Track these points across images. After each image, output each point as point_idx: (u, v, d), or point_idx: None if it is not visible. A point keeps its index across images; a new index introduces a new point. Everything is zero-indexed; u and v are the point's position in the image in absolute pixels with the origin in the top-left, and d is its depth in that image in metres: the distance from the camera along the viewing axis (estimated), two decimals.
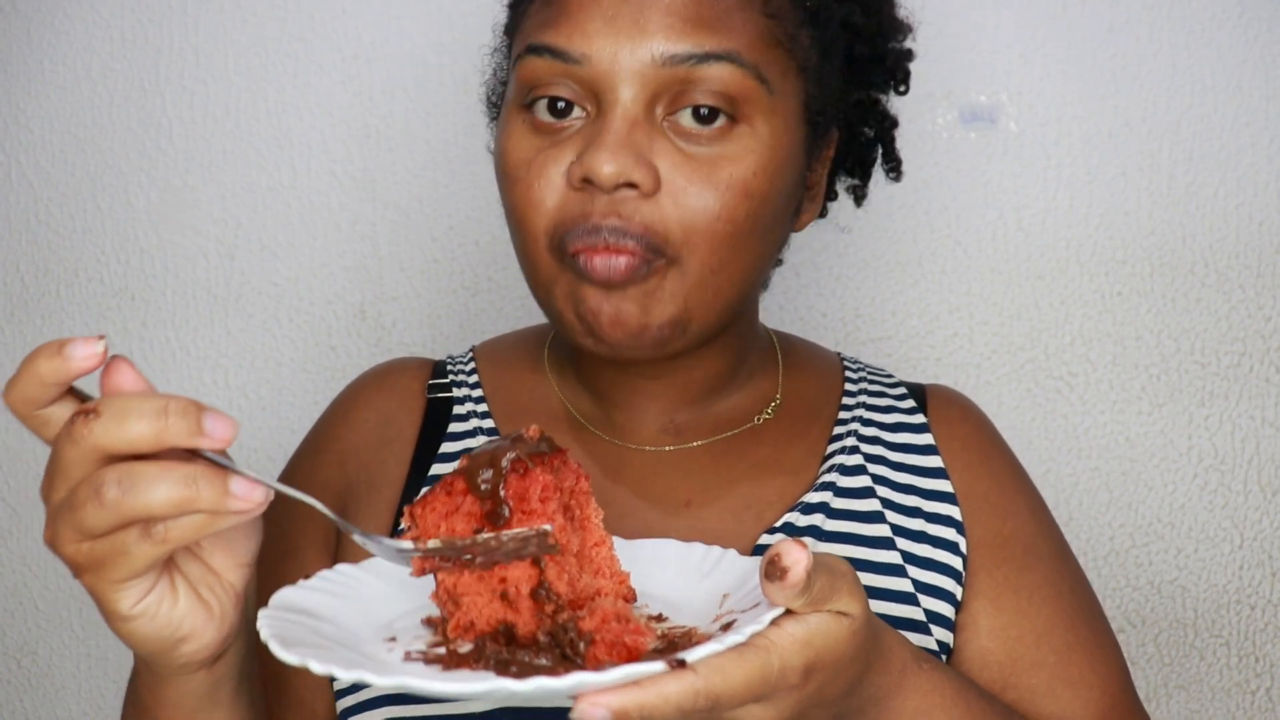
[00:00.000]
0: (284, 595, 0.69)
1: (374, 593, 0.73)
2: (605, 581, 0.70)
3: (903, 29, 0.96)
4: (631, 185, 0.80)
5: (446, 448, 0.95)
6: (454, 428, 0.97)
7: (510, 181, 0.85)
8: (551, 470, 0.68)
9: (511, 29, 0.91)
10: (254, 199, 1.46)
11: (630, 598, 0.71)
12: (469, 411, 0.98)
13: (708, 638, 0.63)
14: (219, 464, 0.60)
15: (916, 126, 1.41)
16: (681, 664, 0.57)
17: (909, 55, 0.97)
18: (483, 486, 0.66)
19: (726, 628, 0.64)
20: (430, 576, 0.69)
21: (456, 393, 0.99)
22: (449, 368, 1.02)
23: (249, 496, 0.58)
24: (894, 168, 1.02)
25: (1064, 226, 1.42)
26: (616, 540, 0.75)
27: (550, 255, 0.84)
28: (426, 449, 0.96)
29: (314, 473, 0.97)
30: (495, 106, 0.97)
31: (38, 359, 0.60)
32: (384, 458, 0.96)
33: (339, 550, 0.93)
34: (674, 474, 0.93)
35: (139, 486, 0.58)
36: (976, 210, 1.42)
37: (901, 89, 0.97)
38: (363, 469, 0.96)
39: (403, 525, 0.69)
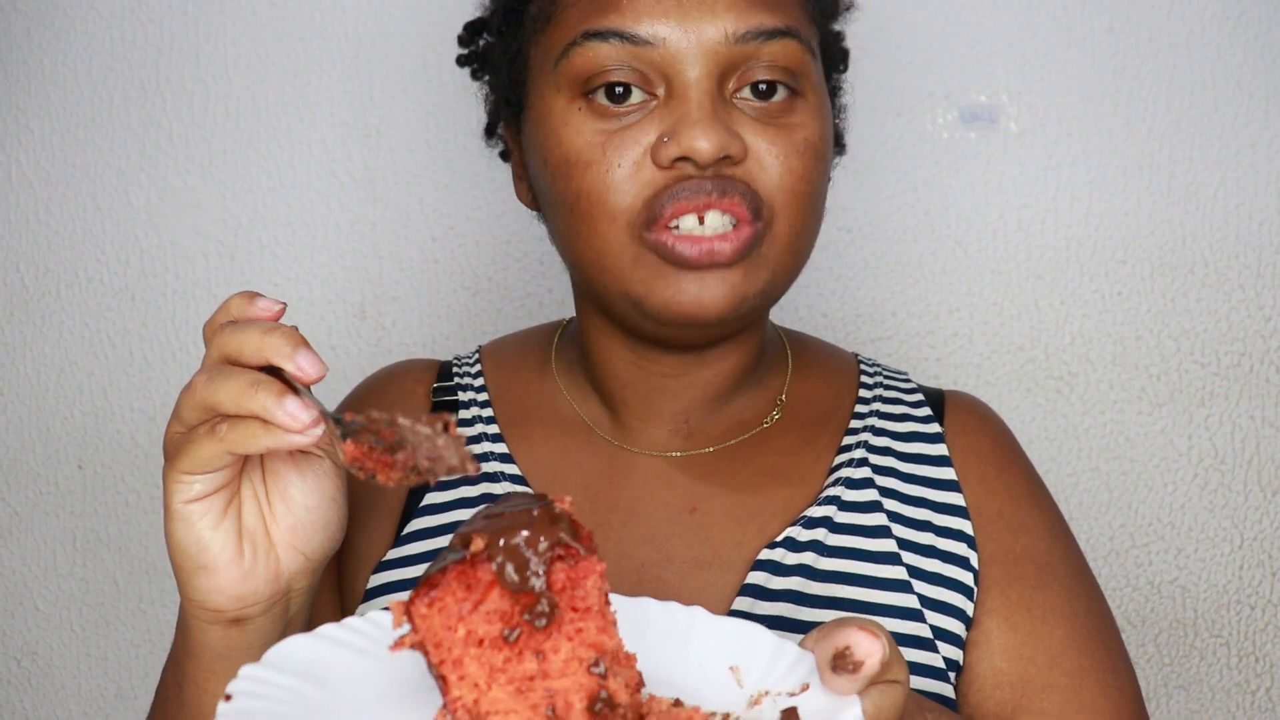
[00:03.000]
0: (288, 647, 0.61)
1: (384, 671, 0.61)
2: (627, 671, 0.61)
3: (845, 5, 0.98)
4: (726, 158, 0.82)
5: None
6: (459, 431, 0.96)
7: (580, 168, 0.84)
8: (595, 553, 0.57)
9: (520, 28, 0.89)
10: (254, 199, 1.46)
11: (640, 683, 0.61)
12: (474, 416, 0.97)
13: None
14: (298, 390, 0.65)
15: (916, 126, 1.41)
16: None
17: (840, 36, 0.99)
18: (514, 578, 0.55)
19: (790, 714, 0.58)
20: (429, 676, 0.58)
21: (461, 396, 0.98)
22: (455, 370, 1.01)
23: (298, 415, 0.63)
24: (838, 146, 1.02)
25: (1064, 226, 1.42)
26: None
27: (629, 238, 0.84)
28: None
29: None
30: (512, 106, 0.94)
31: (232, 297, 0.70)
32: None
33: (345, 542, 0.93)
34: (680, 479, 0.93)
35: (216, 380, 0.65)
36: (976, 210, 1.42)
37: (841, 67, 0.99)
38: None
39: (403, 628, 0.59)
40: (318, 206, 1.46)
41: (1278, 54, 1.38)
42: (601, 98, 0.83)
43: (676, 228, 0.82)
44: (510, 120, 0.94)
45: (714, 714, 0.60)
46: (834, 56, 0.96)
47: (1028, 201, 1.42)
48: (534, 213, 0.96)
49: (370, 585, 0.90)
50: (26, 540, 1.51)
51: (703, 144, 0.80)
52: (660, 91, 0.83)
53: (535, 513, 0.56)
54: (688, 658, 0.63)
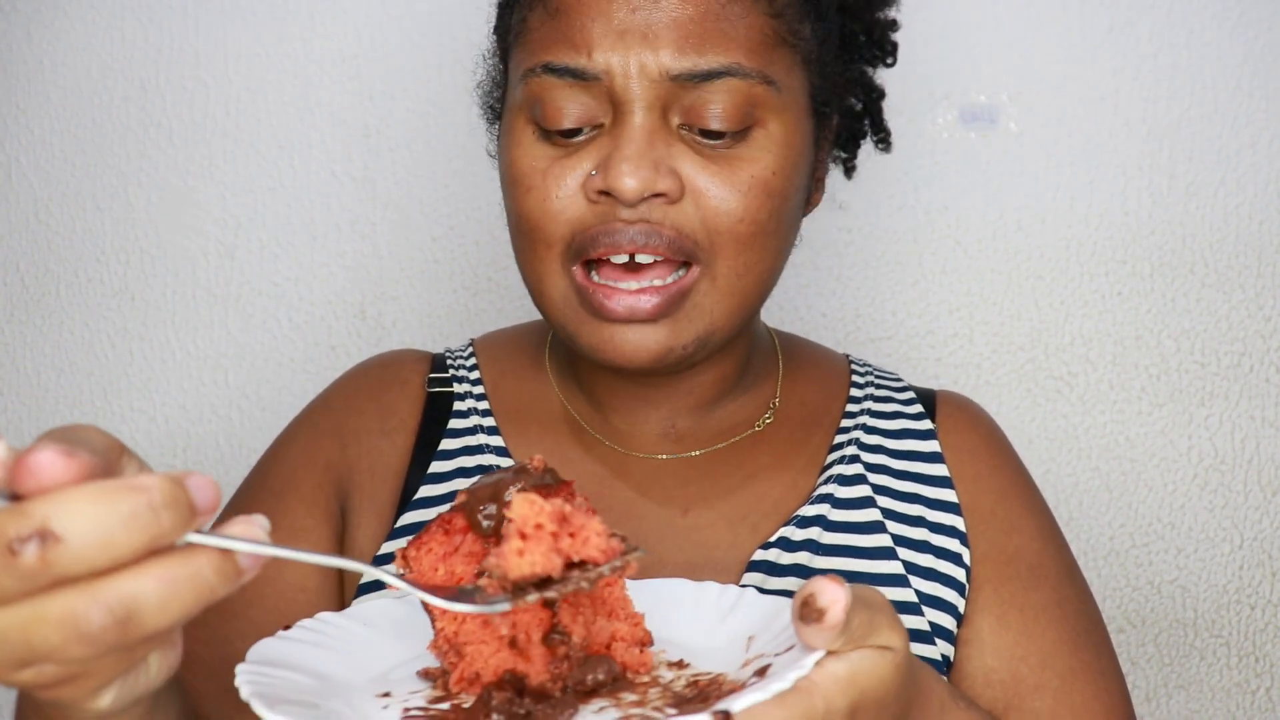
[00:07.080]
0: (263, 648, 0.62)
1: (363, 643, 0.66)
2: (620, 624, 0.66)
3: None
4: (658, 194, 0.80)
5: (446, 444, 0.95)
6: (454, 424, 0.96)
7: (522, 190, 0.84)
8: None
9: (507, 34, 0.90)
10: (254, 199, 1.46)
11: (647, 641, 0.67)
12: (469, 408, 0.97)
13: (738, 684, 0.59)
14: (208, 539, 0.50)
15: (916, 126, 1.41)
16: (726, 715, 0.53)
17: (894, 25, 0.96)
18: (485, 524, 0.61)
19: (761, 672, 0.60)
20: (425, 625, 0.64)
21: (457, 388, 0.99)
22: (448, 362, 1.01)
23: (255, 568, 0.51)
24: (883, 138, 1.00)
25: (1064, 226, 1.42)
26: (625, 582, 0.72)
27: (562, 271, 0.83)
28: (426, 443, 0.95)
29: (313, 449, 0.96)
30: (493, 110, 0.96)
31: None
32: (384, 447, 0.95)
33: (345, 530, 0.93)
34: (672, 481, 0.93)
35: (145, 615, 0.47)
36: (976, 210, 1.42)
37: (890, 61, 0.96)
38: (364, 456, 0.95)
39: (395, 570, 0.63)
40: (318, 206, 1.46)
41: (1278, 54, 1.38)
42: (551, 123, 0.82)
43: (605, 264, 0.82)
44: (493, 122, 0.95)
45: (684, 669, 0.64)
46: (865, 51, 0.93)
47: (1028, 201, 1.42)
48: None
49: (365, 578, 0.90)
50: None
51: (627, 182, 0.79)
52: (607, 121, 0.82)
53: (507, 470, 0.63)
54: (719, 631, 0.67)
